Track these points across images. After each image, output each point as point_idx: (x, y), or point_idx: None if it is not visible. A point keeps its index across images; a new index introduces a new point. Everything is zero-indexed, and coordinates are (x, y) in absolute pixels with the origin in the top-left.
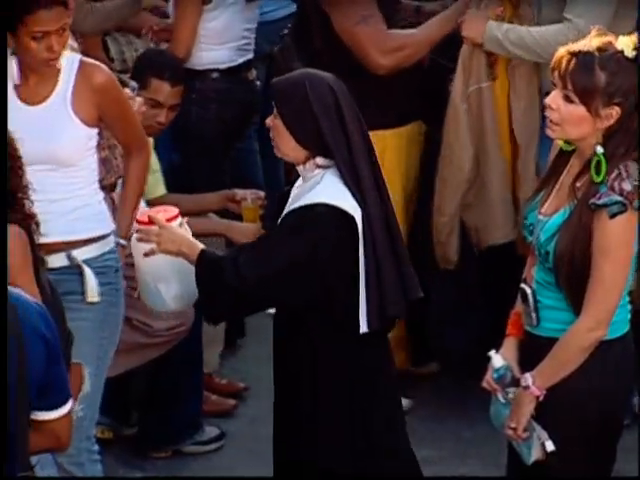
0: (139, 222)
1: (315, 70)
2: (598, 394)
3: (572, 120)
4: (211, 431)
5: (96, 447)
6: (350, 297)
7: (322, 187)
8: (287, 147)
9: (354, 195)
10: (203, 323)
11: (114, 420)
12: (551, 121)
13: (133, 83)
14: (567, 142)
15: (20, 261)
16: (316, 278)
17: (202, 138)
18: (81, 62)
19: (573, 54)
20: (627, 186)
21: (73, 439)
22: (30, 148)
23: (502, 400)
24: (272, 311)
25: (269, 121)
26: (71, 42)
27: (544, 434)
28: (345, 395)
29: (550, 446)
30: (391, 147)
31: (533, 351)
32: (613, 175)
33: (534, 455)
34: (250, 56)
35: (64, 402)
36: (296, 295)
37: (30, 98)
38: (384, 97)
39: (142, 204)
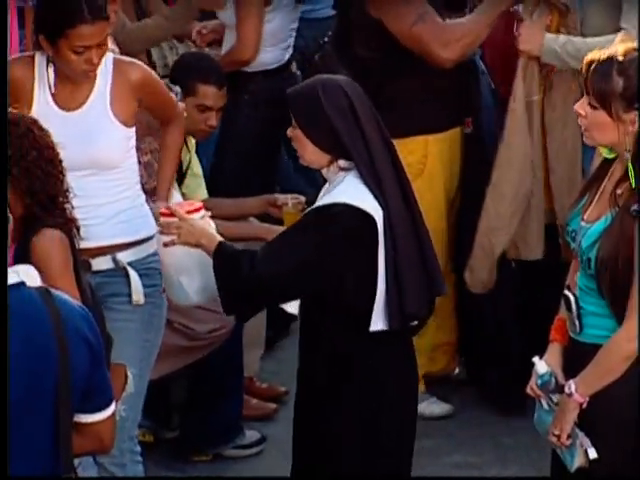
0: (162, 214)
1: (329, 75)
2: (637, 401)
3: (597, 126)
4: (252, 435)
5: (138, 448)
6: (366, 296)
7: (342, 188)
8: (308, 153)
9: (375, 195)
10: (244, 326)
11: (155, 423)
12: (582, 127)
13: (177, 88)
14: (610, 149)
15: (61, 264)
16: (330, 276)
17: (252, 139)
18: (115, 61)
19: (594, 61)
20: None
21: (117, 439)
22: (71, 154)
23: (546, 407)
24: (292, 310)
25: (290, 132)
26: (112, 46)
27: (587, 441)
28: (355, 396)
29: (593, 453)
30: (433, 153)
31: (577, 357)
32: None
33: (577, 462)
34: (291, 52)
35: (107, 404)
36: (309, 291)
37: (67, 104)
38: (427, 102)
39: (178, 198)
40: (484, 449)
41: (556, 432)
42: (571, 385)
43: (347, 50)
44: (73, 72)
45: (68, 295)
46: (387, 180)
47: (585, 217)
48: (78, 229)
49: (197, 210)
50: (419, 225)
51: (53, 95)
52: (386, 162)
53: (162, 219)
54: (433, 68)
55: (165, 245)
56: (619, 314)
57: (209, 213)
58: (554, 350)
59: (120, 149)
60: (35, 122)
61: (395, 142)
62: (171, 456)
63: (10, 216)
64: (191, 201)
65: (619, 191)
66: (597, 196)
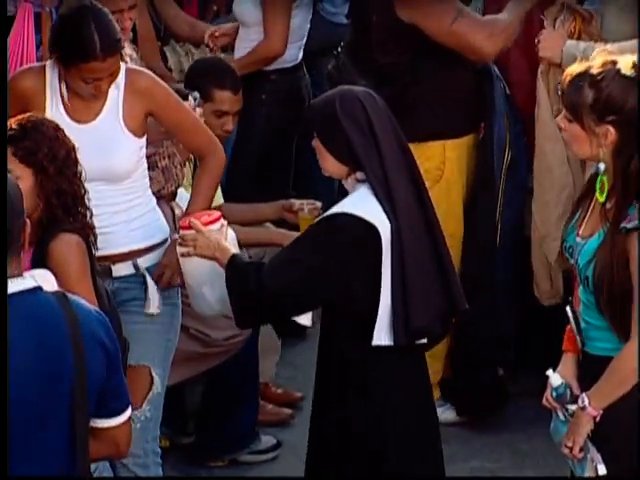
0: (181, 227)
1: (347, 87)
2: None
3: (573, 138)
4: (267, 440)
5: (159, 449)
6: (371, 307)
7: (350, 199)
8: (328, 164)
9: (385, 209)
10: (259, 332)
11: (171, 429)
12: (565, 141)
13: (196, 94)
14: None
15: (78, 269)
16: (337, 285)
17: (270, 137)
18: (127, 71)
19: (570, 74)
20: None
21: (140, 440)
22: (86, 166)
23: (562, 417)
24: (305, 322)
25: (313, 143)
26: (130, 51)
27: (598, 457)
28: (359, 403)
29: (602, 470)
30: (451, 159)
31: (586, 369)
32: None
33: (587, 474)
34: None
35: (123, 409)
36: (317, 303)
37: (80, 116)
38: (446, 108)
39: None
40: (501, 455)
41: (569, 444)
42: (584, 399)
43: (365, 58)
44: (81, 91)
45: (85, 300)
46: (398, 191)
47: (580, 232)
48: (95, 236)
49: (215, 220)
50: (437, 238)
51: (65, 107)
52: (401, 175)
53: (181, 232)
54: (453, 74)
55: (182, 256)
56: (619, 329)
57: (225, 222)
58: (567, 361)
59: (133, 160)
60: (57, 125)
61: (413, 147)
62: (187, 461)
63: (27, 220)
64: (210, 211)
65: (608, 205)
66: (589, 211)
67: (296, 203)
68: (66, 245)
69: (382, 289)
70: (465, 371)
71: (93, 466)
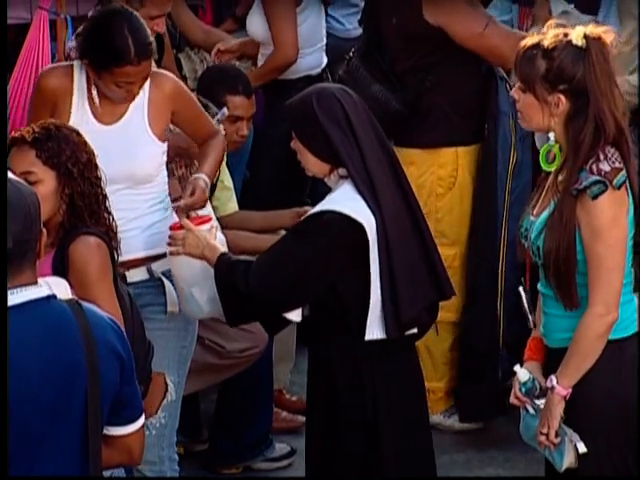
0: (171, 228)
1: (323, 84)
2: (616, 393)
3: (526, 108)
4: (281, 448)
5: (176, 456)
6: (359, 304)
7: (334, 196)
8: (310, 164)
9: (368, 203)
10: (274, 340)
11: (185, 436)
12: (518, 111)
13: (224, 110)
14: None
15: (98, 269)
16: (321, 284)
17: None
18: (151, 74)
19: (523, 46)
20: (605, 166)
21: (155, 447)
22: (109, 167)
23: (532, 411)
24: (294, 318)
25: (293, 144)
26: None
27: (575, 436)
28: (350, 405)
29: (582, 447)
30: (463, 165)
31: (550, 361)
32: (591, 160)
33: (566, 461)
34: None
35: (137, 417)
36: (305, 300)
37: (106, 118)
38: (460, 115)
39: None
40: (516, 463)
41: (544, 431)
42: (552, 379)
43: (378, 63)
44: (111, 95)
45: (105, 303)
46: (381, 186)
47: (534, 212)
48: (118, 240)
49: (206, 221)
50: (422, 230)
51: (92, 108)
52: (381, 169)
53: (171, 232)
54: (468, 81)
55: (171, 254)
56: (565, 301)
57: (217, 224)
58: (533, 363)
59: (155, 164)
60: (78, 131)
61: (425, 153)
62: (201, 469)
63: (44, 230)
64: (202, 214)
65: (560, 178)
66: (544, 191)
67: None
68: (86, 246)
69: (372, 285)
70: (471, 379)
71: (108, 473)
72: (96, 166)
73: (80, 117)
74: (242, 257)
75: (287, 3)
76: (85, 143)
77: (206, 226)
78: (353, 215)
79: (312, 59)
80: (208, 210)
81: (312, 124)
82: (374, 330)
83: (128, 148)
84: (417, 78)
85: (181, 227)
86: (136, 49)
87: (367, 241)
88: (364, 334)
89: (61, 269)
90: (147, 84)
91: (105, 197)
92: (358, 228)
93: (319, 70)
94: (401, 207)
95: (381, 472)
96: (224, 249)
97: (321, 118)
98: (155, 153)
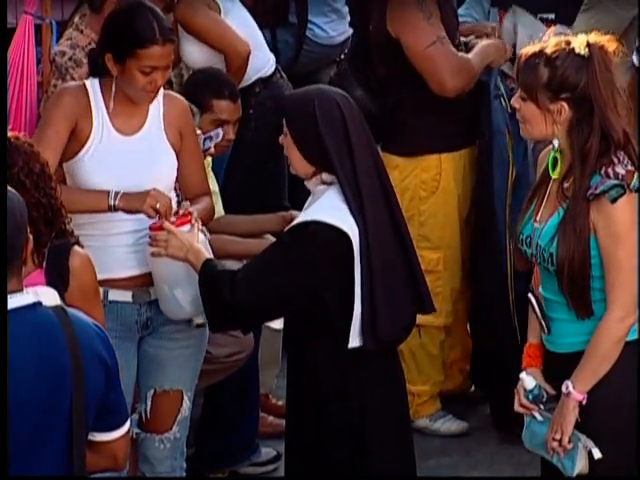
0: (151, 229)
1: (326, 86)
2: (631, 396)
3: (528, 117)
4: (267, 452)
5: (184, 463)
6: (345, 313)
7: (320, 204)
8: (295, 161)
9: (353, 214)
10: (260, 344)
11: None
12: (519, 121)
13: (219, 131)
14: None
15: (95, 281)
16: (308, 294)
17: (260, 149)
18: (164, 93)
19: (525, 55)
20: (621, 170)
21: (169, 458)
22: (134, 177)
23: (540, 418)
24: (276, 326)
25: (281, 139)
26: None
27: (590, 442)
28: (336, 410)
29: (597, 453)
30: (447, 170)
31: (556, 367)
32: (605, 165)
33: (578, 467)
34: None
35: (122, 423)
36: (289, 310)
37: (125, 129)
38: (443, 122)
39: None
40: (502, 466)
41: (557, 436)
42: (568, 384)
43: (364, 68)
44: (135, 92)
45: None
46: (367, 197)
47: (537, 219)
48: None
49: (185, 222)
50: (406, 243)
51: (111, 119)
52: (369, 179)
53: (152, 233)
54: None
55: (152, 255)
56: (578, 309)
57: (199, 223)
58: (534, 370)
59: (172, 176)
60: (31, 142)
61: (409, 160)
62: (187, 473)
63: (30, 236)
64: (181, 214)
65: (566, 184)
66: (545, 198)
67: (296, 214)
68: (85, 259)
69: (355, 294)
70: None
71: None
72: (50, 177)
73: (102, 130)
74: (227, 265)
75: (208, 13)
76: (38, 153)
77: (186, 227)
78: (339, 225)
79: (257, 60)
80: (176, 200)
81: (310, 125)
82: (356, 339)
83: (152, 156)
84: (395, 86)
85: (161, 228)
86: (160, 30)
87: (353, 251)
88: (347, 342)
89: (60, 283)
90: (161, 98)
91: (62, 206)
92: (344, 238)
93: (270, 69)
94: (386, 220)
95: (368, 475)
96: (208, 253)
97: (320, 121)
98: (173, 163)
